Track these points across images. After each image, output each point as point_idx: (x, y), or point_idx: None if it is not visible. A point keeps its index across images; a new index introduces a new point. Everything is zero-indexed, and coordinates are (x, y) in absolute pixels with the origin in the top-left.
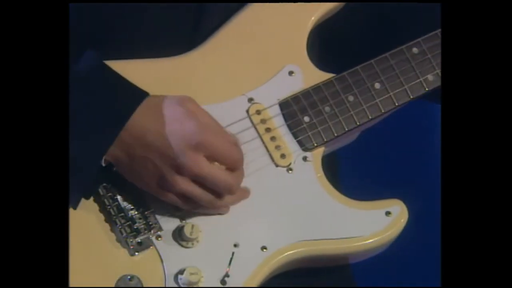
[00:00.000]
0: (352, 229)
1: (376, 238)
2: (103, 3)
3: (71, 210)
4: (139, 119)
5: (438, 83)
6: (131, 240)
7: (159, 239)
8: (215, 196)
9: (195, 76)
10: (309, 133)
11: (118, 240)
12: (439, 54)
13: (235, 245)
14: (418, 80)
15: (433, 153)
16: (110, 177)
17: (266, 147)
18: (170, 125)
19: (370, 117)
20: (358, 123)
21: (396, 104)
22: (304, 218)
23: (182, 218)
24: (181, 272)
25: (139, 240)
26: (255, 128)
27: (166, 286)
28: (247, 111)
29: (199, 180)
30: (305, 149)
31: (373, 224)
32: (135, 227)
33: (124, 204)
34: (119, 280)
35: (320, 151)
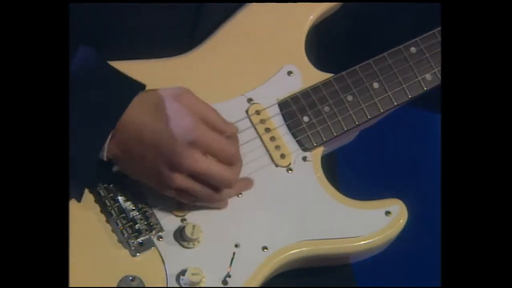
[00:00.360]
0: (352, 228)
1: (375, 238)
2: (102, 3)
3: (72, 211)
4: (135, 115)
5: (436, 82)
6: (132, 241)
7: (161, 239)
8: (213, 190)
9: (194, 76)
10: (309, 133)
11: (120, 241)
12: (437, 53)
13: (236, 245)
14: (416, 80)
15: (432, 153)
16: (111, 178)
17: (266, 147)
18: (165, 121)
19: (369, 117)
20: (357, 123)
21: (395, 104)
22: (304, 218)
23: (183, 219)
24: (183, 272)
25: (141, 241)
26: (255, 128)
27: (168, 286)
28: (247, 111)
29: (196, 176)
30: (305, 149)
31: (373, 224)
32: (137, 227)
33: (126, 205)
34: (121, 280)
35: (319, 151)
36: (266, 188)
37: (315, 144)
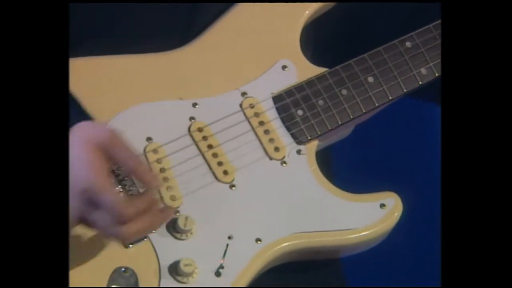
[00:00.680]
0: (347, 221)
1: (370, 231)
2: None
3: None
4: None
5: (432, 77)
6: None
7: (154, 231)
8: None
9: (189, 70)
10: (303, 126)
11: None
12: (432, 48)
13: (229, 237)
14: (411, 73)
15: (429, 146)
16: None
17: (260, 140)
18: (71, 163)
19: (363, 111)
20: (351, 116)
21: (390, 98)
22: (299, 211)
23: (176, 210)
24: (176, 263)
25: None
26: (249, 122)
27: (161, 277)
28: (241, 105)
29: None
30: (299, 142)
31: (368, 217)
32: None
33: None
34: (113, 272)
35: (314, 145)
36: (260, 181)
37: (309, 138)
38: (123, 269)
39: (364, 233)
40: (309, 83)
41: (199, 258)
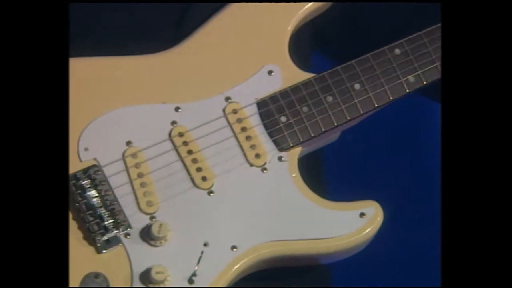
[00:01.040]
0: (325, 230)
1: (348, 240)
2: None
3: None
4: None
5: (419, 84)
6: (98, 237)
7: (128, 237)
8: None
9: (174, 74)
10: (285, 133)
11: (86, 238)
12: (421, 55)
13: (205, 244)
14: (399, 81)
15: (422, 148)
16: (81, 175)
17: (241, 146)
18: None
19: (348, 118)
20: (336, 124)
21: (376, 105)
22: (277, 218)
23: (152, 217)
24: (148, 270)
25: (107, 238)
26: (231, 127)
27: (133, 284)
28: (224, 110)
29: None
30: (281, 149)
31: (347, 226)
32: (103, 224)
33: (93, 201)
34: (85, 277)
35: (296, 151)
36: (239, 188)
37: (291, 144)
38: (94, 274)
39: (342, 242)
40: (294, 89)
41: (172, 265)
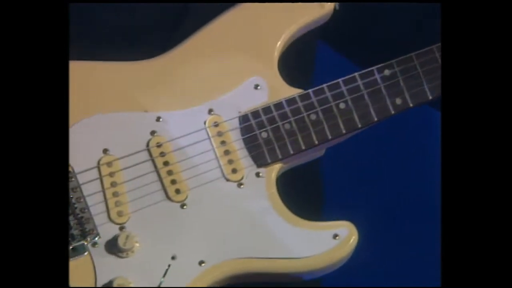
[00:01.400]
0: (295, 249)
1: (318, 261)
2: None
3: None
4: None
5: (405, 106)
6: None
7: (96, 246)
8: None
9: (160, 82)
10: (264, 149)
11: None
12: (410, 77)
13: (172, 258)
14: (384, 103)
15: (420, 154)
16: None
17: (218, 160)
18: None
19: (329, 137)
20: (316, 142)
21: (359, 126)
22: (248, 235)
23: (122, 227)
24: (110, 282)
25: (73, 246)
26: (210, 141)
27: None
28: (205, 122)
29: None
30: (259, 165)
31: (318, 246)
32: (71, 233)
33: None
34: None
35: (275, 168)
36: (213, 202)
37: (269, 161)
38: None
39: (311, 263)
40: (277, 105)
41: (137, 277)
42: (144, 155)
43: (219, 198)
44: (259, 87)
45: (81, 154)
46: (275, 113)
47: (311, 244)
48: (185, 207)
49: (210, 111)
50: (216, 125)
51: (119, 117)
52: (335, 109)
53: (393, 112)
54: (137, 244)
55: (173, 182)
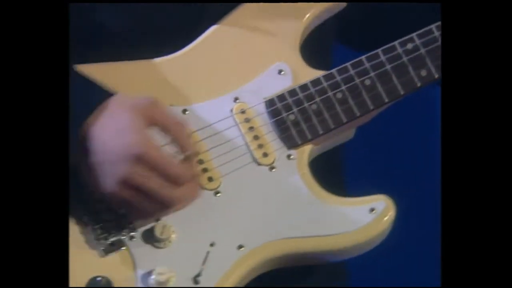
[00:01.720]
0: (333, 226)
1: (358, 236)
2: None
3: None
4: (92, 123)
5: (431, 78)
6: (102, 241)
7: (133, 239)
8: (157, 205)
9: (183, 76)
10: (293, 131)
11: (89, 242)
12: (432, 49)
13: (211, 245)
14: (410, 76)
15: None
16: None
17: (248, 146)
18: (114, 132)
19: (357, 114)
20: (345, 120)
21: (386, 101)
22: (284, 216)
23: (157, 219)
24: (151, 272)
25: (111, 241)
26: (238, 127)
27: (137, 286)
28: (231, 110)
29: (137, 189)
30: (289, 147)
31: (356, 221)
32: (107, 228)
33: (96, 205)
34: (89, 281)
35: (306, 149)
36: (247, 187)
37: (299, 142)
38: (98, 278)
39: (351, 238)
40: (302, 86)
41: (177, 266)
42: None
43: (252, 183)
44: (282, 72)
45: None
46: (300, 95)
47: (348, 219)
48: (218, 194)
49: (235, 99)
50: (242, 111)
51: None
52: (360, 86)
53: (419, 84)
54: (174, 234)
55: (205, 170)
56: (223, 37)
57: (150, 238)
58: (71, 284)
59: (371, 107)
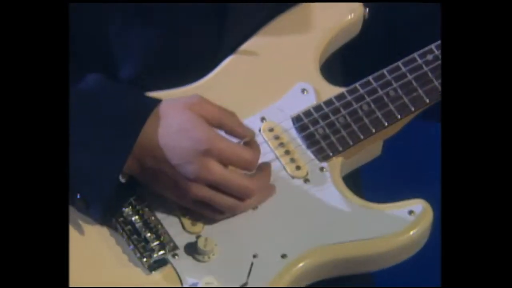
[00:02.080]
0: (374, 229)
1: (399, 237)
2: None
3: (76, 240)
4: (148, 130)
5: None
6: (146, 260)
7: (176, 256)
8: (235, 200)
9: (211, 100)
10: (323, 144)
11: (131, 261)
12: None
13: (254, 256)
14: (433, 84)
15: None
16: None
17: (280, 160)
18: (177, 133)
19: (385, 124)
20: (373, 131)
21: (412, 110)
22: (324, 223)
23: (198, 235)
24: (196, 284)
25: (155, 259)
26: (268, 144)
27: None
28: (260, 130)
29: (214, 186)
30: (321, 159)
31: (395, 224)
32: (150, 247)
33: (138, 225)
34: None
35: (337, 162)
36: (283, 199)
37: (331, 154)
38: None
39: (392, 240)
40: (327, 102)
41: (222, 278)
42: None
43: (289, 195)
44: (306, 92)
45: None
46: (326, 110)
47: (389, 223)
48: (256, 208)
49: (262, 119)
50: (271, 130)
51: None
52: (385, 98)
53: None
54: (216, 247)
55: None
56: (243, 63)
57: (191, 252)
58: None
59: (399, 117)
